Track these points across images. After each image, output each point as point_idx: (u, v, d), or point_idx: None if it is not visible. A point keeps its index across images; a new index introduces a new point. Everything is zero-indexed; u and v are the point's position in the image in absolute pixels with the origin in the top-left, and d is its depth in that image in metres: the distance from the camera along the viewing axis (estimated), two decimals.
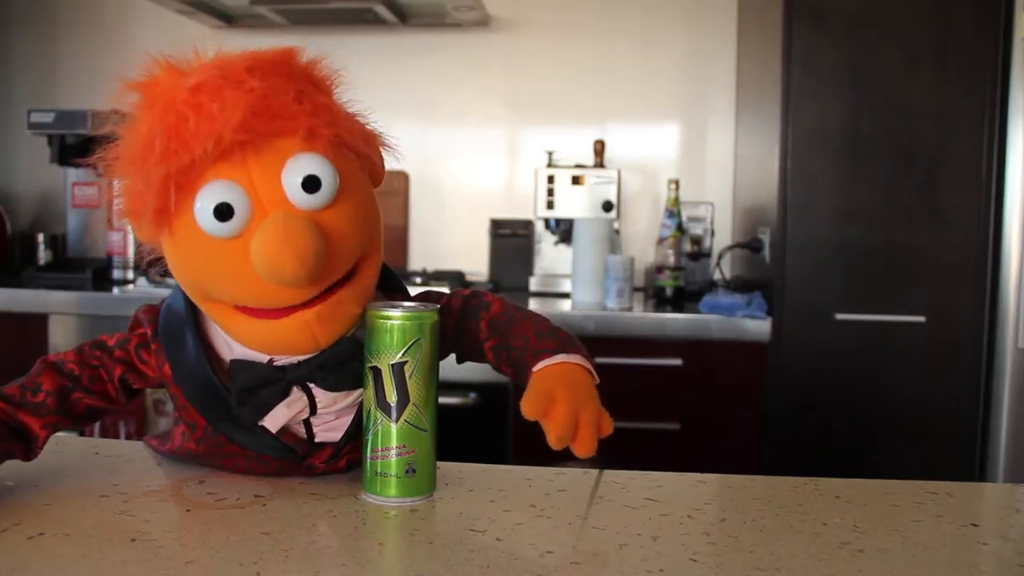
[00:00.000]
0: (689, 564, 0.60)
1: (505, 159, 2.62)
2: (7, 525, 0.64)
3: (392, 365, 0.67)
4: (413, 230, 2.65)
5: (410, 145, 2.57)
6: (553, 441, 0.64)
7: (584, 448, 0.65)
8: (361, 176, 0.69)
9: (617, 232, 2.43)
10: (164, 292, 0.76)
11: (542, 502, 0.72)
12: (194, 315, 0.71)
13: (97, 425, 1.92)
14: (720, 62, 2.51)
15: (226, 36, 2.56)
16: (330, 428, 0.73)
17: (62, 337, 2.12)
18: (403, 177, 2.61)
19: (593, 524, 0.67)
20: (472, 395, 1.98)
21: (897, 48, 1.88)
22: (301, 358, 0.69)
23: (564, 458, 0.68)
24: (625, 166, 2.41)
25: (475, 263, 2.58)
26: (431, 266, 2.58)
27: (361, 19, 2.48)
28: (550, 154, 2.42)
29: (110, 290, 2.22)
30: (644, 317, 2.03)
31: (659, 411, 1.99)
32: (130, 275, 2.39)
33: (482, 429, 2.00)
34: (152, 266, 0.69)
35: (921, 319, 1.88)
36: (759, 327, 1.94)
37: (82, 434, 1.10)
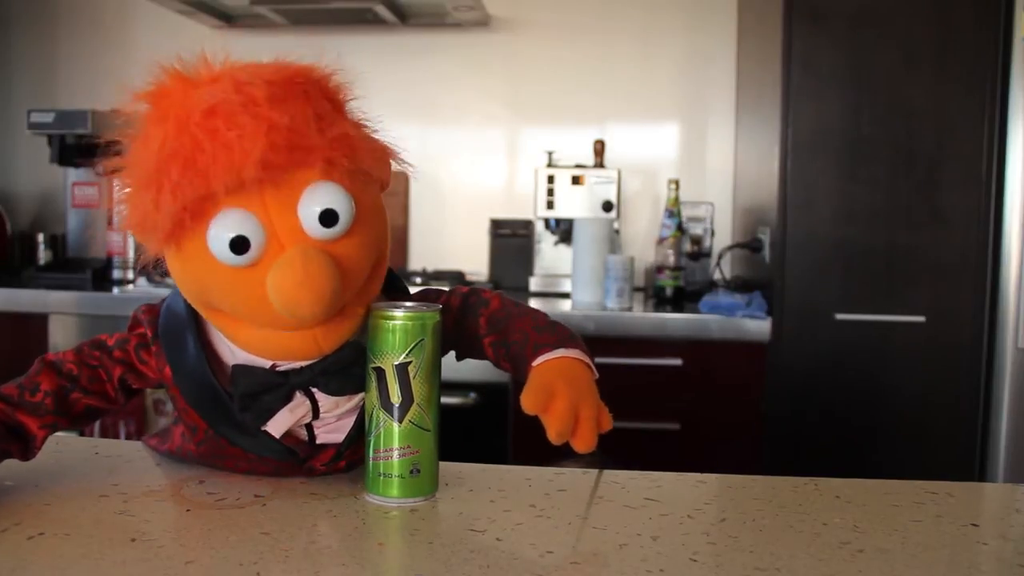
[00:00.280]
0: (689, 564, 0.60)
1: (505, 159, 2.62)
2: (7, 525, 0.64)
3: (396, 366, 0.67)
4: (413, 230, 2.65)
5: (410, 145, 2.53)
6: (553, 436, 0.63)
7: (584, 443, 0.64)
8: (374, 194, 0.68)
9: (617, 232, 2.43)
10: (164, 292, 0.76)
11: (542, 502, 0.72)
12: (194, 318, 0.71)
13: (97, 425, 1.92)
14: (720, 62, 2.51)
15: (226, 36, 2.56)
16: (332, 430, 0.73)
17: (62, 337, 2.12)
18: (403, 177, 2.61)
19: (593, 524, 0.67)
20: (472, 395, 1.98)
21: (897, 48, 1.87)
22: (304, 363, 0.69)
23: (563, 455, 0.68)
24: (625, 166, 2.41)
25: (475, 263, 2.58)
26: (431, 266, 2.58)
27: (361, 19, 2.48)
28: (550, 154, 2.42)
29: (110, 290, 2.22)
30: (644, 317, 2.03)
31: (659, 411, 1.99)
32: (130, 275, 2.39)
33: (482, 429, 2.00)
34: (152, 266, 0.68)
35: (921, 319, 1.88)
36: (759, 327, 1.94)
37: (82, 434, 1.10)
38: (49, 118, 2.35)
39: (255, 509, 0.68)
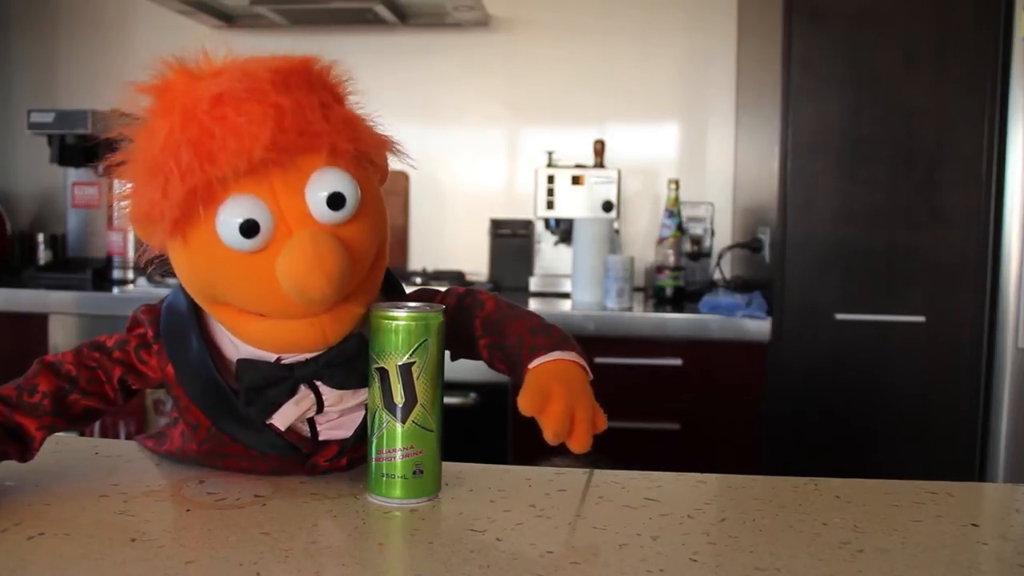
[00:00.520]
0: (689, 564, 0.60)
1: (505, 159, 2.63)
2: (7, 525, 0.64)
3: (400, 366, 0.67)
4: (413, 230, 2.65)
5: (410, 145, 2.52)
6: (550, 437, 0.65)
7: (579, 443, 0.66)
8: (376, 185, 0.69)
9: (617, 232, 2.43)
10: (164, 292, 0.76)
11: (542, 502, 0.72)
12: (196, 315, 0.71)
13: (97, 425, 1.92)
14: (720, 62, 2.51)
15: (226, 36, 2.56)
16: (335, 426, 0.73)
17: (62, 337, 2.12)
18: (403, 177, 2.61)
19: (593, 524, 0.67)
20: (472, 395, 1.98)
21: (897, 48, 1.88)
22: (308, 356, 0.69)
23: (560, 454, 0.68)
24: (625, 166, 2.41)
25: (475, 263, 2.58)
26: (431, 266, 2.58)
27: (361, 19, 2.48)
28: (550, 154, 2.42)
29: (110, 290, 2.22)
30: (644, 317, 2.03)
31: (659, 411, 1.99)
32: (130, 275, 2.39)
33: (482, 429, 2.00)
34: (152, 265, 0.69)
35: (921, 319, 1.88)
36: (759, 327, 1.94)
37: (82, 434, 1.10)
38: (49, 118, 2.35)
39: (255, 509, 0.68)
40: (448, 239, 2.63)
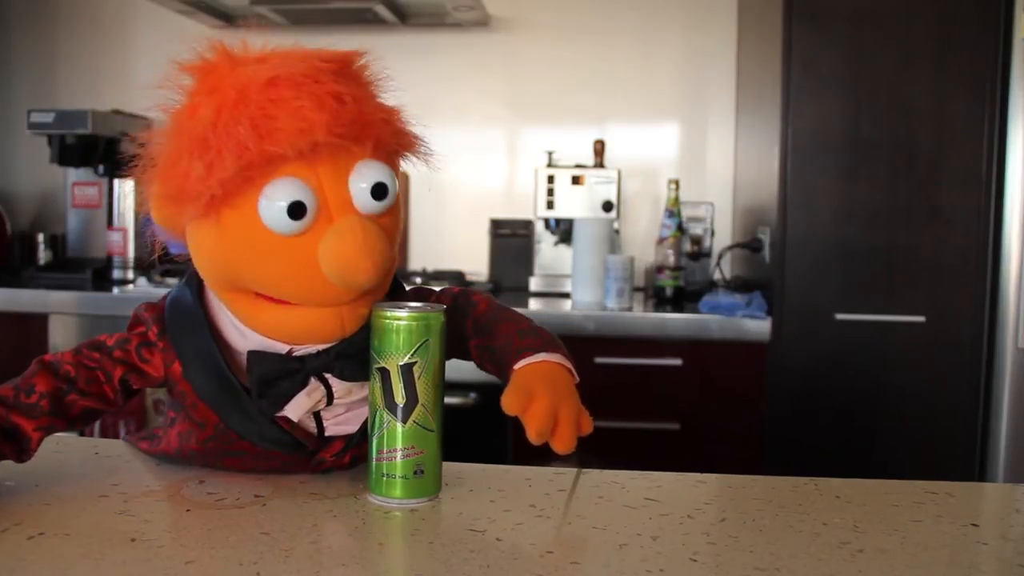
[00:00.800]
0: (689, 564, 0.60)
1: (505, 159, 2.63)
2: (7, 525, 0.64)
3: (401, 366, 0.67)
4: (413, 230, 2.65)
5: None
6: (532, 435, 0.65)
7: (563, 444, 0.66)
8: (401, 180, 0.71)
9: (617, 232, 2.43)
10: (164, 292, 0.75)
11: (542, 502, 0.72)
12: (203, 309, 0.71)
13: (97, 425, 1.92)
14: (720, 62, 2.51)
15: (226, 36, 2.56)
16: (341, 421, 0.73)
17: (62, 337, 2.12)
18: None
19: (593, 524, 0.67)
20: (472, 395, 1.98)
21: (897, 48, 1.88)
22: (320, 347, 0.69)
23: (550, 456, 0.68)
24: (625, 166, 2.41)
25: (475, 263, 2.58)
26: (431, 266, 2.58)
27: (361, 19, 2.48)
28: (550, 154, 2.42)
29: (110, 290, 2.22)
30: (644, 317, 2.03)
31: (659, 411, 1.99)
32: (130, 275, 2.39)
33: (482, 429, 2.00)
34: (160, 261, 0.68)
35: (921, 319, 1.88)
36: (759, 327, 1.94)
37: (82, 434, 1.10)
38: (49, 118, 2.35)
39: (255, 509, 0.68)
40: (448, 239, 2.63)
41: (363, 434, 0.73)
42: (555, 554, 0.62)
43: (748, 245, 2.16)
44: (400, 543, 0.65)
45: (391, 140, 0.67)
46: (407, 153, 0.70)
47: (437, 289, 0.79)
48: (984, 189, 1.85)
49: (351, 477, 0.75)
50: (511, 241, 2.53)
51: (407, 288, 0.79)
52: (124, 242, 2.41)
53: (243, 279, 0.66)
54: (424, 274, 2.48)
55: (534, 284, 2.45)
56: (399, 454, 0.68)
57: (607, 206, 2.25)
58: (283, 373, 0.69)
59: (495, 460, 0.82)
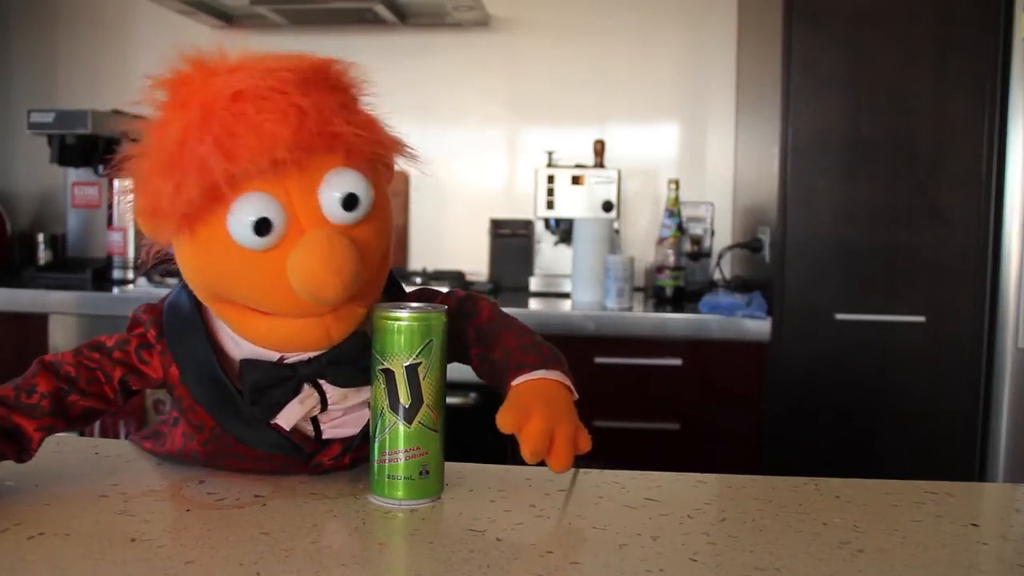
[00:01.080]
0: (689, 564, 0.60)
1: (505, 159, 2.63)
2: (7, 525, 0.64)
3: (406, 367, 0.67)
4: (413, 230, 2.65)
5: (410, 145, 2.56)
6: (527, 455, 0.65)
7: (559, 463, 0.66)
8: (386, 187, 0.69)
9: (617, 232, 2.43)
10: (164, 292, 0.75)
11: (542, 502, 0.72)
12: (200, 313, 0.71)
13: (97, 425, 1.92)
14: (720, 62, 2.51)
15: (226, 36, 2.56)
16: (338, 425, 0.73)
17: (62, 337, 2.12)
18: (403, 177, 2.61)
19: (593, 524, 0.67)
20: (472, 395, 1.98)
21: (897, 48, 1.88)
22: (312, 355, 0.69)
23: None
24: (625, 166, 2.41)
25: (475, 263, 2.58)
26: (431, 266, 2.58)
27: (361, 19, 2.48)
28: (550, 154, 2.42)
29: (110, 290, 2.22)
30: (644, 317, 2.03)
31: (659, 411, 1.99)
32: (130, 275, 2.39)
33: (482, 429, 2.00)
34: (158, 265, 0.68)
35: (921, 319, 1.88)
36: (759, 327, 1.94)
37: (82, 434, 1.10)
38: (49, 118, 2.35)
39: (255, 509, 0.68)
40: (448, 239, 2.63)
41: (363, 437, 0.72)
42: (555, 554, 0.62)
43: (748, 245, 2.16)
44: (400, 543, 0.65)
45: (365, 147, 0.65)
46: (390, 157, 0.69)
47: (443, 291, 0.79)
48: (984, 189, 1.85)
49: (351, 477, 0.75)
50: (511, 241, 2.53)
51: (411, 290, 0.79)
52: (124, 242, 2.41)
53: (225, 291, 0.66)
54: (424, 274, 2.48)
55: (534, 284, 2.45)
56: (404, 455, 0.68)
57: (607, 206, 2.25)
58: (275, 381, 0.69)
59: (495, 460, 0.82)
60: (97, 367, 0.71)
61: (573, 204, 2.28)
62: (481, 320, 0.76)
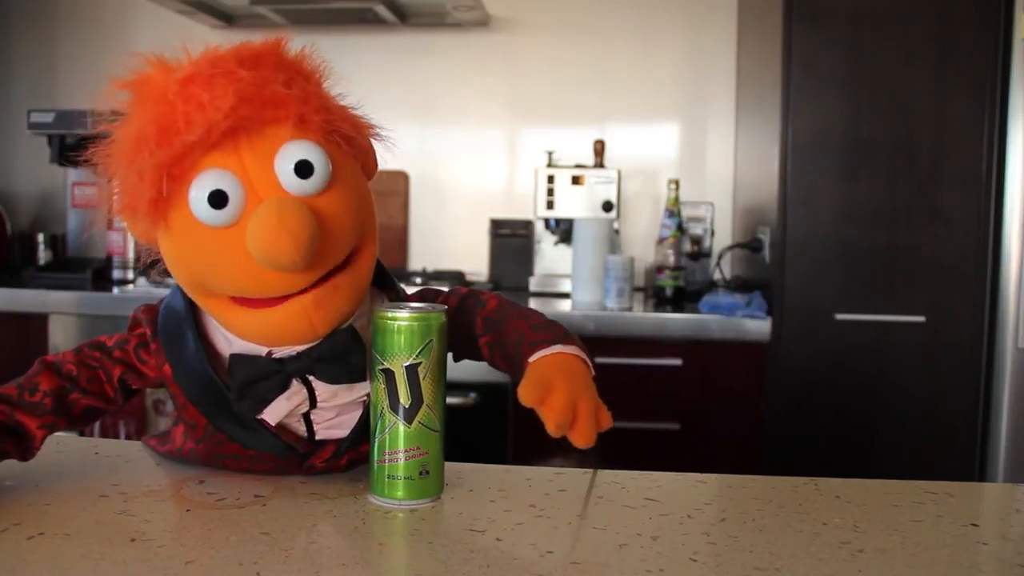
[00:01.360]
0: (689, 564, 0.60)
1: (505, 159, 2.62)
2: (7, 525, 0.64)
3: (406, 367, 0.67)
4: (413, 230, 2.65)
5: (410, 145, 2.57)
6: (552, 428, 0.63)
7: (582, 437, 0.64)
8: (353, 165, 0.69)
9: (617, 232, 2.43)
10: (164, 292, 0.76)
11: (542, 502, 0.72)
12: (193, 313, 0.71)
13: (97, 425, 1.92)
14: (720, 62, 2.51)
15: (226, 36, 2.56)
16: (331, 426, 0.73)
17: (62, 337, 2.12)
18: (403, 177, 2.61)
19: (593, 524, 0.67)
20: (472, 395, 1.98)
21: (897, 48, 1.88)
22: (299, 349, 0.69)
23: (560, 454, 0.68)
24: (625, 166, 2.41)
25: (475, 263, 2.58)
26: (431, 266, 2.58)
27: (361, 19, 2.48)
28: (550, 154, 2.42)
29: (110, 290, 2.22)
30: (644, 317, 2.03)
31: (659, 411, 1.99)
32: (130, 275, 2.39)
33: (482, 429, 2.00)
34: (153, 267, 0.69)
35: (921, 319, 1.88)
36: (759, 327, 1.94)
37: (82, 434, 1.10)
38: (49, 118, 2.35)
39: (255, 509, 0.68)
40: (448, 239, 2.63)
41: (353, 439, 0.72)
42: (555, 554, 0.62)
43: (748, 245, 2.16)
44: (400, 543, 0.65)
45: (315, 117, 0.65)
46: (354, 135, 0.69)
47: (445, 290, 0.79)
48: (984, 189, 1.85)
49: (351, 477, 0.75)
50: (511, 241, 2.53)
51: (412, 290, 0.79)
52: (124, 242, 2.41)
53: (203, 279, 0.66)
54: (424, 274, 2.48)
55: (534, 284, 2.45)
56: (404, 455, 0.68)
57: (607, 206, 2.25)
58: (262, 375, 0.69)
59: (495, 460, 0.82)
60: (98, 366, 0.72)
61: (573, 204, 2.28)
62: (488, 309, 0.76)
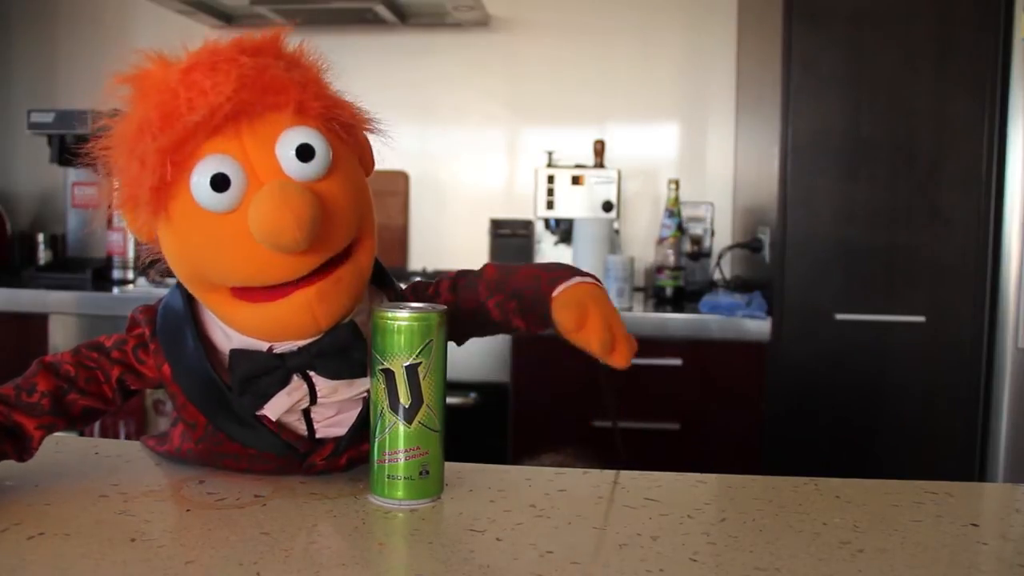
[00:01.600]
0: (689, 564, 0.60)
1: (505, 159, 2.63)
2: (7, 525, 0.64)
3: (406, 367, 0.67)
4: (413, 230, 2.65)
5: (410, 145, 2.57)
6: (597, 349, 0.66)
7: (623, 357, 0.67)
8: (351, 157, 0.70)
9: (617, 232, 2.43)
10: (163, 292, 0.76)
11: (542, 502, 0.72)
12: (192, 312, 0.71)
13: (97, 425, 1.92)
14: (720, 62, 2.51)
15: (226, 36, 2.56)
16: (332, 424, 0.73)
17: (62, 337, 2.12)
18: (403, 177, 2.61)
19: (593, 524, 0.67)
20: (472, 395, 1.98)
21: (897, 48, 1.88)
22: (300, 344, 0.69)
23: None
24: (625, 166, 2.41)
25: (475, 263, 2.56)
26: (431, 266, 2.58)
27: (361, 19, 2.48)
28: (550, 154, 2.42)
29: (110, 290, 2.22)
30: (644, 317, 2.03)
31: (659, 411, 1.99)
32: (130, 275, 2.39)
33: (482, 429, 2.00)
34: (152, 266, 0.69)
35: (921, 319, 1.88)
36: (759, 327, 1.94)
37: (82, 434, 1.10)
38: (49, 118, 2.35)
39: (255, 509, 0.68)
40: (448, 239, 2.63)
41: (352, 437, 0.72)
42: (555, 554, 0.62)
43: (748, 245, 2.16)
44: (400, 543, 0.65)
45: (315, 104, 0.66)
46: (352, 125, 0.69)
47: (432, 281, 0.79)
48: (984, 189, 1.85)
49: (351, 477, 0.75)
50: (511, 241, 2.53)
51: (404, 287, 0.79)
52: (124, 242, 2.41)
53: (206, 272, 0.66)
54: (424, 274, 2.48)
55: None
56: (404, 455, 0.68)
57: (607, 206, 2.25)
58: (263, 370, 0.69)
59: (495, 460, 0.82)
60: (96, 366, 0.72)
61: (573, 204, 2.28)
62: (488, 275, 0.77)
